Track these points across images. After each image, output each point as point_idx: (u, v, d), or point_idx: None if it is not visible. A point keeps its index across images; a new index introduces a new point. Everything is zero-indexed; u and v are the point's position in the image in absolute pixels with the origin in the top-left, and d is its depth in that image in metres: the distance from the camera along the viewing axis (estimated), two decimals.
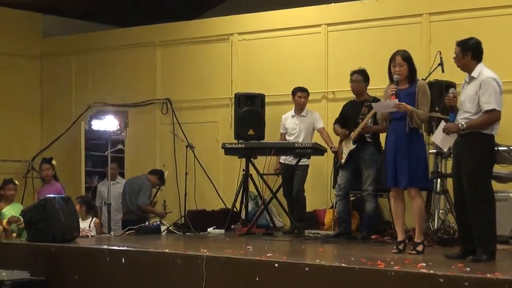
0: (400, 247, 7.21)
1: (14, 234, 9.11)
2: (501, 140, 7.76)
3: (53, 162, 10.55)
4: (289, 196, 9.99)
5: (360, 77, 9.11)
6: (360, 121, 8.83)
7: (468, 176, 6.53)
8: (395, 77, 7.29)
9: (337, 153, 9.18)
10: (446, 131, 6.73)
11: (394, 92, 7.24)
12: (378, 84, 8.83)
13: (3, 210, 9.71)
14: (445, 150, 7.57)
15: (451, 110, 6.84)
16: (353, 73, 9.18)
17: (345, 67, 10.50)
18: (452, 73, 8.35)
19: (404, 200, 7.33)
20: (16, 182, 10.53)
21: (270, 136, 10.53)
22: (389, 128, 7.35)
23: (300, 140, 9.87)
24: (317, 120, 10.08)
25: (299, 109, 10.10)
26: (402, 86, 7.29)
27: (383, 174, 7.40)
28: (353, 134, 8.83)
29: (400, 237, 7.29)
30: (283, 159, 10.09)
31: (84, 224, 9.38)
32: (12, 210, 9.16)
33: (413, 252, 7.06)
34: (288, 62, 11.26)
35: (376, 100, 8.91)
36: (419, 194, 7.28)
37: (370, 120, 8.76)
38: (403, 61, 7.23)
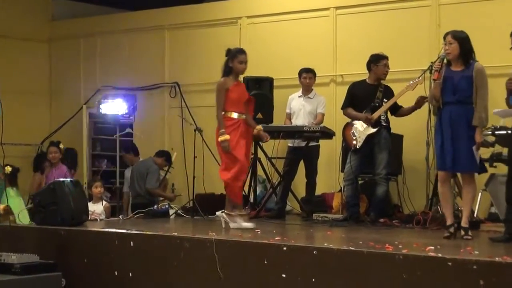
0: (451, 230, 7.02)
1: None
2: None
3: (61, 145, 10.55)
4: (291, 178, 9.94)
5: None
6: (377, 104, 8.81)
7: None
8: (441, 54, 7.15)
9: (346, 138, 9.13)
10: None
11: (438, 69, 7.07)
12: None
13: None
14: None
15: (511, 93, 6.71)
16: None
17: (354, 51, 10.52)
18: None
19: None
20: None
21: (279, 120, 10.48)
22: (443, 111, 7.06)
23: (304, 121, 9.83)
24: (321, 104, 9.97)
25: (306, 90, 10.05)
26: (456, 67, 7.04)
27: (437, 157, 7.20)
28: (374, 117, 8.77)
29: (448, 221, 7.11)
30: (291, 142, 10.04)
31: (93, 207, 9.43)
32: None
33: (467, 237, 6.89)
34: (296, 46, 11.23)
35: (387, 88, 8.91)
36: (474, 179, 7.16)
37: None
38: (453, 39, 6.96)
